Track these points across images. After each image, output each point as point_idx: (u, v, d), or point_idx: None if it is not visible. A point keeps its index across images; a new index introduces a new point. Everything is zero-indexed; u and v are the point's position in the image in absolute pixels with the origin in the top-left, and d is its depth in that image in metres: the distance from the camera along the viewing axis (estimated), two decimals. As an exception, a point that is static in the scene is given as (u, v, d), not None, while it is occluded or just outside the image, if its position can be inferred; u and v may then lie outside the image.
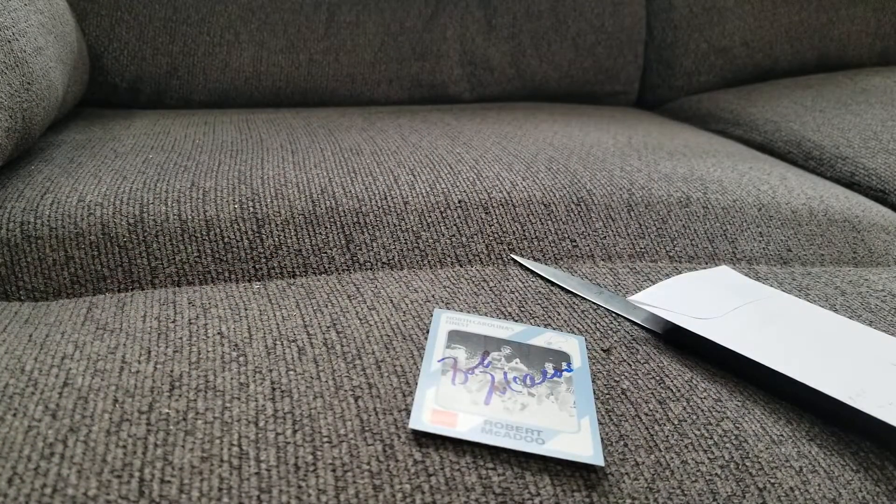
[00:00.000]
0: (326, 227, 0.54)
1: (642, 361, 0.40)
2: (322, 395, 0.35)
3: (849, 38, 1.13)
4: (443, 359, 0.38)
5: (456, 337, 0.40)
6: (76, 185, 0.56)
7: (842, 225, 0.64)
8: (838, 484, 0.34)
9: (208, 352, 0.38)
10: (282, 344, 0.39)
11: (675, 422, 0.36)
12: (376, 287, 0.46)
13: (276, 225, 0.54)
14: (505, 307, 0.45)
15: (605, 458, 0.33)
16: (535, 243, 0.56)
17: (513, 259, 0.55)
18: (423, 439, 0.33)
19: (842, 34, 1.13)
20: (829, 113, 0.91)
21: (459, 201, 0.58)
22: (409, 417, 0.34)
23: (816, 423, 0.37)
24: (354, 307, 0.43)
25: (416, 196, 0.58)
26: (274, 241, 0.53)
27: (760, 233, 0.61)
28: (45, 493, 0.29)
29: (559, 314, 0.44)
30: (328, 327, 0.41)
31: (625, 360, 0.40)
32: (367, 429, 0.33)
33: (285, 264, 0.52)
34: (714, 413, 0.37)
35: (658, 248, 0.58)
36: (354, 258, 0.53)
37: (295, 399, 0.34)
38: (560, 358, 0.39)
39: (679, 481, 0.33)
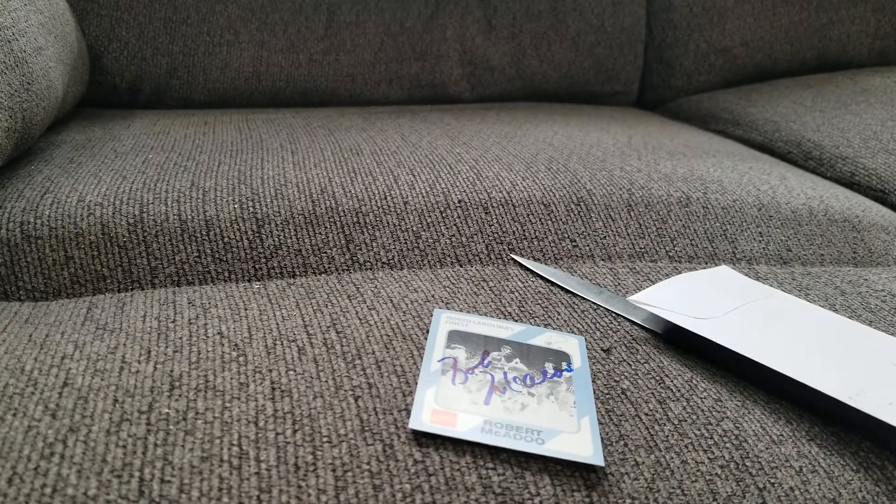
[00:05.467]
0: (326, 227, 0.54)
1: (642, 361, 0.40)
2: (322, 395, 0.35)
3: (849, 38, 1.13)
4: (443, 359, 0.38)
5: (456, 337, 0.40)
6: (76, 185, 0.56)
7: (842, 225, 0.64)
8: (838, 484, 0.34)
9: (208, 352, 0.38)
10: (282, 344, 0.39)
11: (675, 422, 0.36)
12: (376, 287, 0.46)
13: (276, 225, 0.54)
14: (505, 307, 0.45)
15: (605, 458, 0.33)
16: (535, 243, 0.56)
17: (513, 259, 0.55)
18: (423, 439, 0.33)
19: (842, 34, 1.13)
20: (829, 113, 0.91)
21: (459, 201, 0.58)
22: (409, 417, 0.34)
23: (816, 423, 0.37)
24: (354, 307, 0.43)
25: (416, 196, 0.58)
26: (274, 241, 0.53)
27: (760, 233, 0.61)
28: (45, 493, 0.29)
29: (559, 314, 0.44)
30: (328, 327, 0.41)
31: (625, 360, 0.40)
32: (367, 429, 0.33)
33: (285, 264, 0.52)
34: (714, 413, 0.37)
35: (658, 248, 0.58)
36: (354, 258, 0.53)
37: (295, 399, 0.34)
38: (560, 358, 0.39)
39: (679, 481, 0.33)
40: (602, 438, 0.34)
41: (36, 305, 0.44)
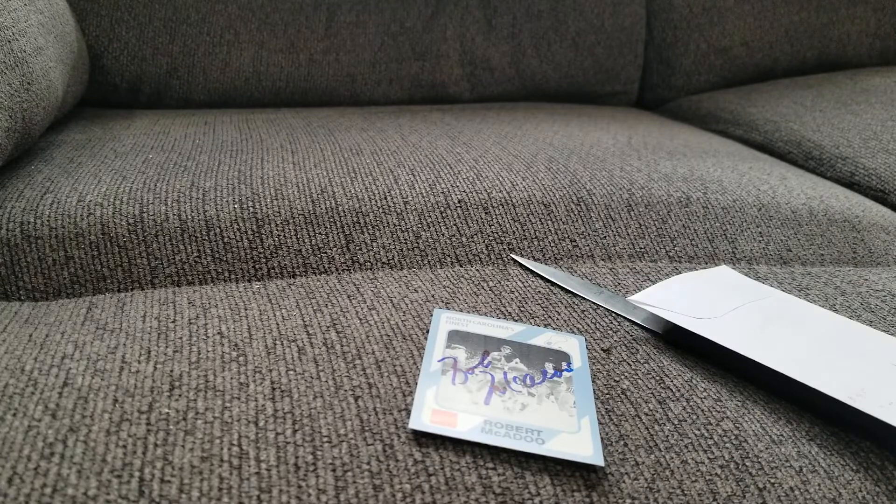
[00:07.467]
0: (326, 227, 0.54)
1: (642, 361, 0.40)
2: (322, 395, 0.35)
3: (849, 38, 1.13)
4: (443, 359, 0.38)
5: (456, 337, 0.40)
6: (76, 185, 0.56)
7: (842, 225, 0.64)
8: (838, 484, 0.34)
9: (208, 352, 0.38)
10: (282, 344, 0.39)
11: (675, 422, 0.36)
12: (376, 287, 0.46)
13: (276, 225, 0.54)
14: (505, 307, 0.45)
15: (605, 458, 0.33)
16: (535, 243, 0.56)
17: (513, 259, 0.55)
18: (423, 439, 0.33)
19: (842, 34, 1.13)
20: (829, 113, 0.91)
21: (459, 201, 0.58)
22: (409, 417, 0.34)
23: (816, 423, 0.37)
24: (354, 307, 0.43)
25: (416, 196, 0.58)
26: (274, 241, 0.53)
27: (760, 233, 0.61)
28: (45, 493, 0.29)
29: (559, 314, 0.44)
30: (328, 327, 0.41)
31: (625, 360, 0.40)
32: (367, 429, 0.33)
33: (285, 264, 0.52)
34: (714, 413, 0.37)
35: (658, 248, 0.58)
36: (354, 258, 0.53)
37: (295, 399, 0.34)
38: (560, 358, 0.39)
39: (679, 481, 0.33)
40: (602, 438, 0.34)
41: (36, 305, 0.44)
